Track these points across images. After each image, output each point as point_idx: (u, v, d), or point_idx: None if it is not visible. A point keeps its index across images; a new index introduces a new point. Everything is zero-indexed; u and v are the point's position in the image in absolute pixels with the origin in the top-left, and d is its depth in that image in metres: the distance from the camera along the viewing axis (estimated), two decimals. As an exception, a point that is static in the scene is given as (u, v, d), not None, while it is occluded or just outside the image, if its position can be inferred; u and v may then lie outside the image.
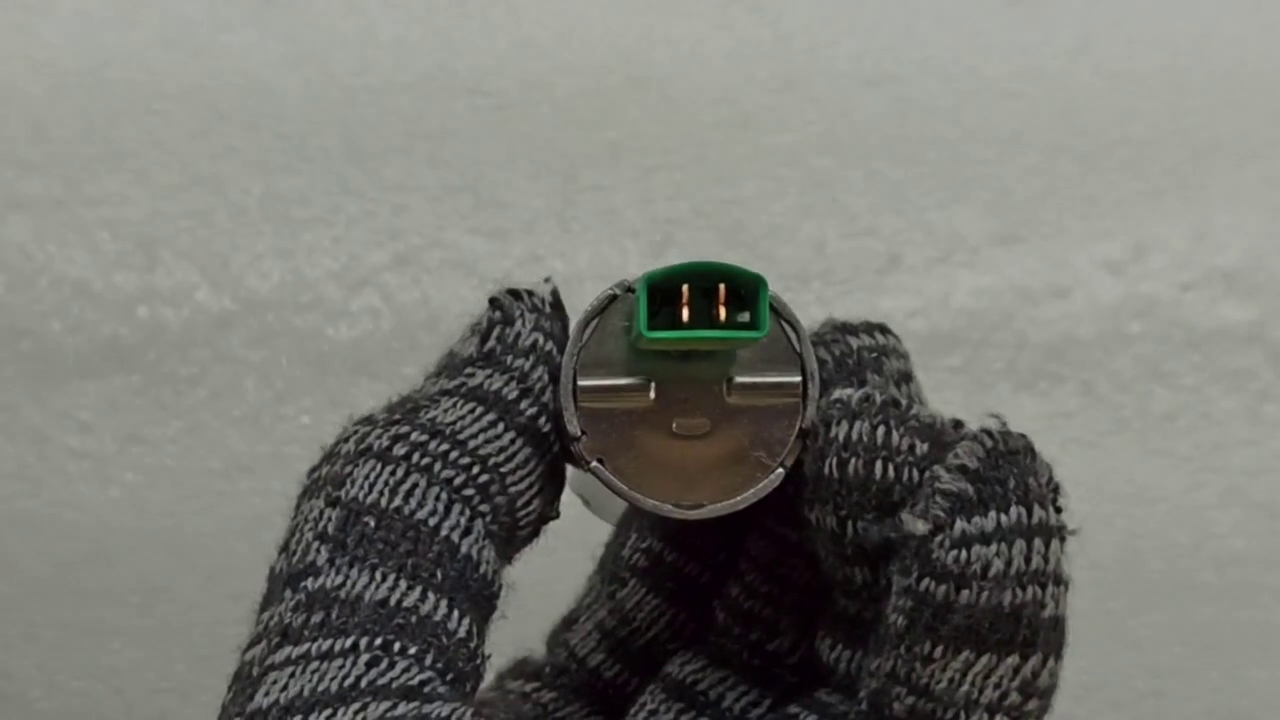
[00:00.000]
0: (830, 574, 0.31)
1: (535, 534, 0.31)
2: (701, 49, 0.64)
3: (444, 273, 0.61)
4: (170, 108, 0.63)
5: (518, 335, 0.30)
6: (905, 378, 0.32)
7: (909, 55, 0.65)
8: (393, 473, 0.28)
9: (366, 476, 0.28)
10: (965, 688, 0.28)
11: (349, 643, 0.27)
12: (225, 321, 0.60)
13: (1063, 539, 0.29)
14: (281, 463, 0.58)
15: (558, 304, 0.32)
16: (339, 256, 0.61)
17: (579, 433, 0.30)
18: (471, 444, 0.29)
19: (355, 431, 0.30)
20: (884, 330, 0.33)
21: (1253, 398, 0.62)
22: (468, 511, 0.28)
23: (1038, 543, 0.28)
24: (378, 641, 0.27)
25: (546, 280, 0.32)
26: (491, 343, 0.30)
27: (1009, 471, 0.28)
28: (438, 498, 0.28)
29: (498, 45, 0.64)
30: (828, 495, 0.29)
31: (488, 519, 0.29)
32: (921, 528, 0.28)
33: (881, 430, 0.29)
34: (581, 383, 0.30)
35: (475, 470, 0.29)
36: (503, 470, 0.29)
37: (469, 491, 0.29)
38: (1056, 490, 0.29)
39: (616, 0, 0.65)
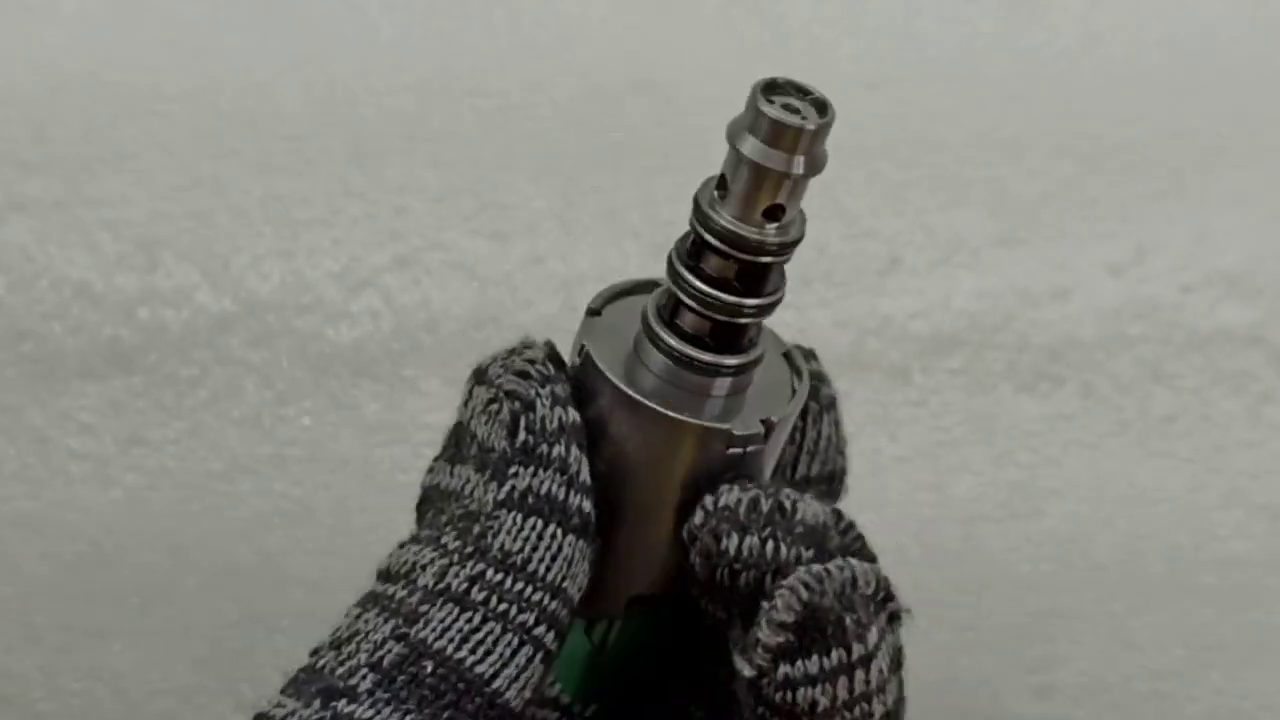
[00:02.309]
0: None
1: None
2: (703, 51, 0.65)
3: (445, 274, 0.61)
4: (171, 109, 0.63)
5: (543, 420, 0.31)
6: (831, 404, 0.34)
7: (910, 57, 0.65)
8: (469, 620, 0.30)
9: (443, 621, 0.30)
10: None
11: None
12: (226, 323, 0.60)
13: (896, 627, 0.31)
14: (282, 464, 0.58)
15: (556, 358, 0.32)
16: (340, 258, 0.61)
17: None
18: (541, 571, 0.30)
19: (430, 560, 0.31)
20: (813, 354, 0.34)
21: (1254, 399, 0.62)
22: (530, 650, 0.30)
23: (859, 673, 0.30)
24: None
25: (547, 343, 0.33)
26: (523, 435, 0.31)
27: (826, 619, 0.30)
28: (508, 644, 0.30)
29: (499, 47, 0.64)
30: (719, 598, 0.31)
31: (551, 643, 0.30)
32: (749, 672, 0.30)
33: (770, 545, 0.30)
34: None
35: (546, 601, 0.30)
36: (565, 587, 0.30)
37: (539, 630, 0.30)
38: (886, 587, 0.31)
39: (618, 2, 0.65)
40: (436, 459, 0.33)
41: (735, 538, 0.30)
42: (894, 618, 0.31)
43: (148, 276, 0.60)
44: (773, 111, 0.30)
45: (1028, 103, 0.64)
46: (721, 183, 0.31)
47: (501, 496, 0.31)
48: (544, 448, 0.31)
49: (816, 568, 0.30)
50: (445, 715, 0.29)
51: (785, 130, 0.29)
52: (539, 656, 0.30)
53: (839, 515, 0.31)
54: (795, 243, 0.30)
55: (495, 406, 0.31)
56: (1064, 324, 0.62)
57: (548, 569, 0.30)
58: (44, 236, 0.60)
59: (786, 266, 0.31)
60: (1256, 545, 0.59)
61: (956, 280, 0.62)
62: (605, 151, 0.63)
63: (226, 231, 0.61)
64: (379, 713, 0.28)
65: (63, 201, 0.61)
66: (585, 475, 0.31)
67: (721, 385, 0.31)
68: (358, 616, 0.31)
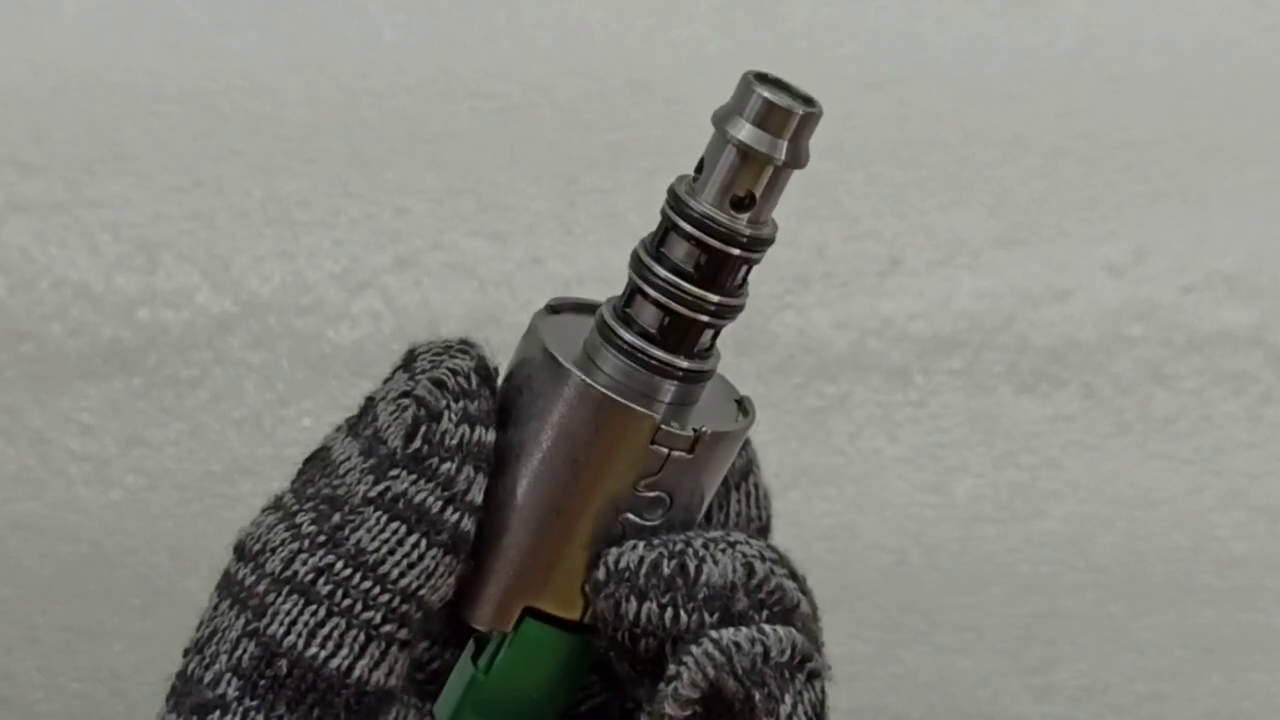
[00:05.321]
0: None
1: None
2: (703, 52, 0.65)
3: (445, 275, 0.61)
4: (172, 110, 0.63)
5: (444, 434, 0.30)
6: (745, 473, 0.33)
7: (910, 58, 0.65)
8: (314, 613, 0.29)
9: (289, 614, 0.29)
10: None
11: None
12: (226, 324, 0.60)
13: (815, 683, 0.29)
14: (283, 465, 0.58)
15: (485, 374, 0.31)
16: (340, 259, 0.61)
17: None
18: (394, 575, 0.30)
19: (281, 543, 0.30)
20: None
21: (1254, 401, 0.62)
22: (382, 644, 0.29)
23: None
24: None
25: (479, 356, 0.32)
26: (418, 443, 0.30)
27: (734, 698, 0.28)
28: (355, 639, 0.29)
29: (499, 48, 0.64)
30: (622, 658, 0.30)
31: (404, 640, 0.30)
32: None
33: (669, 613, 0.29)
34: None
35: (396, 603, 0.30)
36: (422, 594, 0.30)
37: (388, 628, 0.30)
38: (804, 651, 0.29)
39: (618, 3, 0.65)
40: (347, 419, 0.33)
41: (634, 603, 0.29)
42: (813, 675, 0.29)
43: (148, 278, 0.60)
44: (765, 92, 0.29)
45: (1028, 103, 0.65)
46: (699, 168, 0.30)
47: (373, 494, 0.30)
48: (434, 461, 0.30)
49: (726, 639, 0.29)
50: (315, 713, 0.29)
51: (776, 111, 0.29)
52: (394, 648, 0.30)
53: (750, 571, 0.29)
54: (766, 242, 0.29)
55: (405, 402, 0.30)
56: (1064, 325, 0.62)
57: (402, 574, 0.29)
58: (44, 238, 0.60)
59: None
60: (1256, 546, 0.59)
61: (957, 281, 0.62)
62: (605, 152, 0.63)
63: (227, 233, 0.61)
64: None
65: (63, 203, 0.61)
66: (474, 496, 0.30)
67: (668, 390, 0.30)
68: (214, 607, 0.30)
